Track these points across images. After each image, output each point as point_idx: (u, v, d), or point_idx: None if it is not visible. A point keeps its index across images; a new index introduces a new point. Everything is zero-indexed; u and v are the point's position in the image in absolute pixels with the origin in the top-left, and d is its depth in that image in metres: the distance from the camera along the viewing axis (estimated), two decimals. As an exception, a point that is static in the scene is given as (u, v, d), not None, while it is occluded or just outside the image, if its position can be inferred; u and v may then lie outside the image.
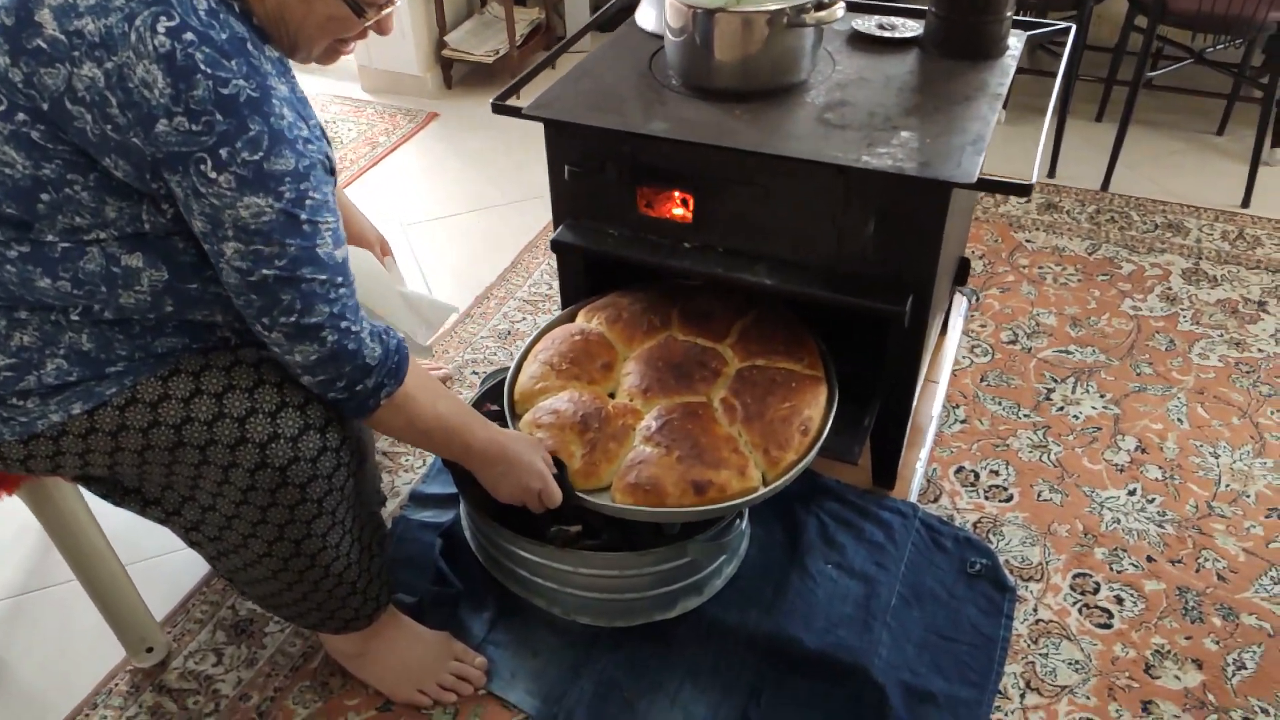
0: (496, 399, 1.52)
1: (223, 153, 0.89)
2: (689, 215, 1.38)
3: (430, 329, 1.48)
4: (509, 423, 1.34)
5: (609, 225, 1.45)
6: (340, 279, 1.00)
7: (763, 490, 1.25)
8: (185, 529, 1.13)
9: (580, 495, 1.25)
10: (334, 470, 1.10)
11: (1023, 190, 1.18)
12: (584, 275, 1.55)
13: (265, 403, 1.05)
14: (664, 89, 1.41)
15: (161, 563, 1.50)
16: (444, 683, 1.31)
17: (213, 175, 0.90)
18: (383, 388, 1.06)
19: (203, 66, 0.88)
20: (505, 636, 1.38)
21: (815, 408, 1.33)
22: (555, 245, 1.45)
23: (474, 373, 1.86)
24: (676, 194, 1.38)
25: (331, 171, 1.04)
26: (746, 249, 1.38)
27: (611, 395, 1.38)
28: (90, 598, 1.30)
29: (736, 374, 1.38)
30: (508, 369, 1.54)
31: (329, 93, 3.00)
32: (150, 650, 1.36)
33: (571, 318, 1.52)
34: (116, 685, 1.34)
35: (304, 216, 0.95)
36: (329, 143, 1.11)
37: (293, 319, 0.97)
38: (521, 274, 2.14)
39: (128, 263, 0.98)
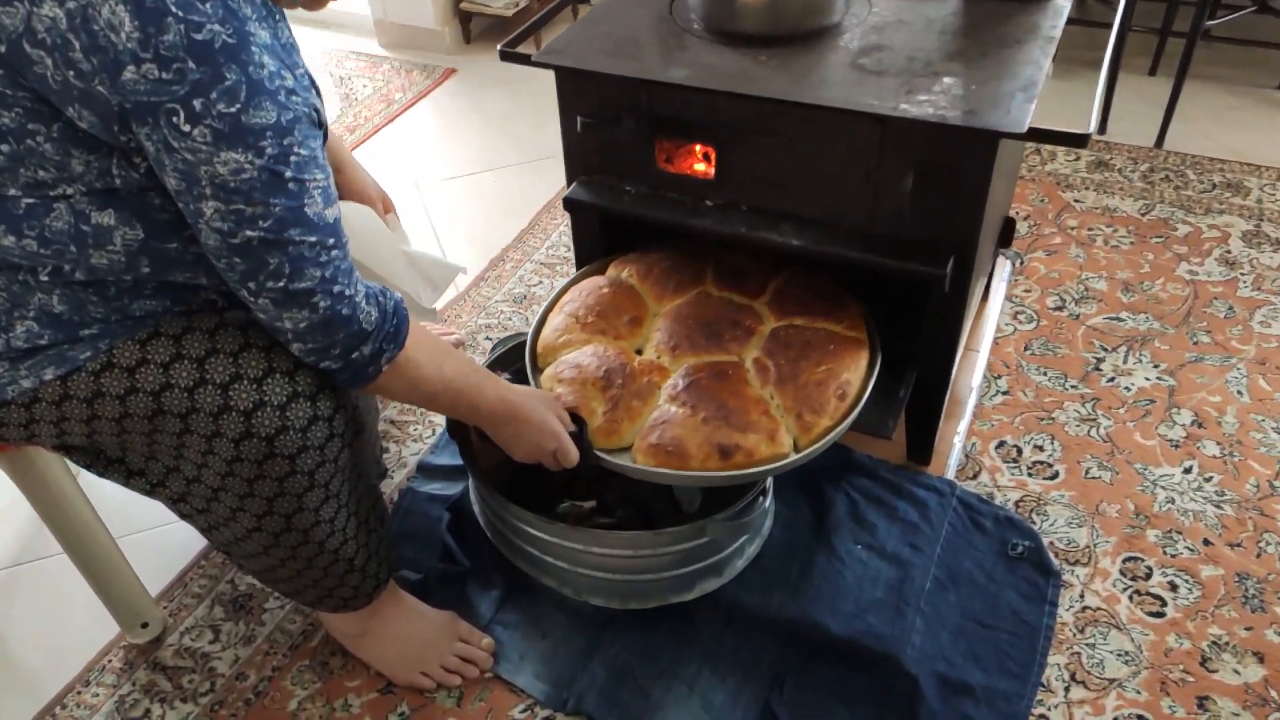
0: (508, 365, 1.44)
1: (196, 104, 0.81)
2: (711, 170, 1.28)
3: (436, 290, 1.40)
4: (530, 377, 1.27)
5: (625, 181, 1.35)
6: (332, 240, 0.92)
7: (793, 457, 1.16)
8: (172, 501, 1.06)
9: (600, 454, 1.17)
10: (326, 441, 1.02)
11: (1079, 140, 1.07)
12: (599, 235, 1.45)
13: (251, 368, 0.98)
14: (685, 34, 1.31)
15: (157, 535, 1.44)
16: (448, 665, 1.24)
17: (186, 128, 0.81)
18: (381, 354, 0.99)
19: (174, 9, 0.79)
20: (514, 616, 1.31)
21: (854, 371, 1.23)
22: (568, 203, 1.36)
23: (487, 338, 1.78)
24: (697, 148, 1.28)
25: (320, 125, 0.95)
26: (773, 207, 1.28)
27: (639, 352, 1.29)
28: (80, 572, 1.24)
29: (771, 333, 1.29)
30: (521, 334, 1.46)
31: (344, 48, 2.91)
32: (145, 626, 1.31)
33: (601, 270, 1.44)
34: (110, 662, 1.29)
35: (289, 174, 0.87)
36: (318, 94, 1.02)
37: (280, 284, 0.90)
38: (539, 236, 2.05)
39: (99, 220, 0.90)
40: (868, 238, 1.23)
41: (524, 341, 1.45)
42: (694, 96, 1.21)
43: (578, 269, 1.50)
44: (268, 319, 0.94)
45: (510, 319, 1.83)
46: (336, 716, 1.21)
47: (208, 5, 0.81)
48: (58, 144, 0.85)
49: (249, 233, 0.86)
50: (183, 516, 1.08)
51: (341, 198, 1.30)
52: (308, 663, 1.27)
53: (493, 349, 1.48)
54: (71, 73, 0.80)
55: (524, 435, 1.15)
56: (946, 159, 1.14)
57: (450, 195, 2.23)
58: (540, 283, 1.92)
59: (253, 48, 0.84)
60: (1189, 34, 2.16)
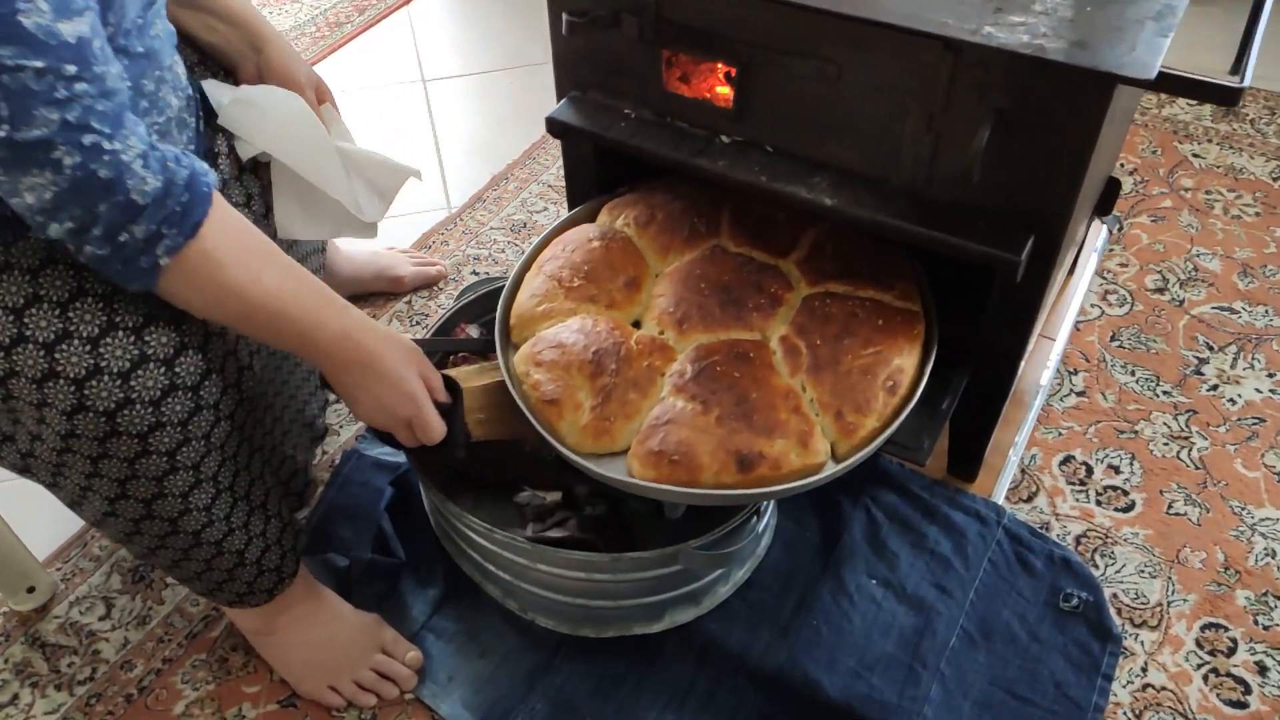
0: (477, 317, 1.20)
1: None
2: (731, 97, 1.00)
3: (382, 199, 1.14)
4: (500, 356, 1.02)
5: (625, 103, 1.07)
6: (74, 69, 0.66)
7: (831, 469, 0.91)
8: (18, 470, 0.86)
9: (573, 457, 0.93)
10: (190, 416, 0.80)
11: (1228, 96, 0.77)
12: (595, 168, 1.18)
13: (84, 324, 0.76)
14: (714, -86, 1.00)
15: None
16: (363, 680, 1.04)
17: None
18: (159, 239, 0.72)
19: None
20: (450, 625, 1.10)
21: (908, 356, 0.96)
22: (551, 125, 1.09)
23: (474, 273, 1.53)
24: (718, 66, 1.00)
25: None
26: (805, 152, 0.99)
27: (637, 325, 1.04)
28: (-50, 527, 1.06)
29: (804, 303, 1.02)
30: (498, 280, 1.21)
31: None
32: (31, 591, 1.13)
33: (591, 216, 1.17)
34: (-15, 630, 1.12)
35: None
36: None
37: (3, 133, 0.64)
38: (552, 152, 1.77)
39: None
40: (922, 204, 0.94)
41: (499, 288, 1.20)
42: (712, -1, 0.92)
43: (570, 207, 1.23)
44: (6, 194, 0.69)
45: (504, 251, 1.57)
46: (226, 728, 1.03)
47: None
48: None
49: None
50: (45, 487, 0.88)
51: (262, 80, 1.05)
52: (204, 657, 1.08)
53: (459, 295, 1.23)
54: None
55: (370, 390, 0.89)
56: (1039, 107, 0.84)
57: (458, 94, 1.95)
58: (545, 209, 1.65)
59: None
60: (1364, -44, 1.75)
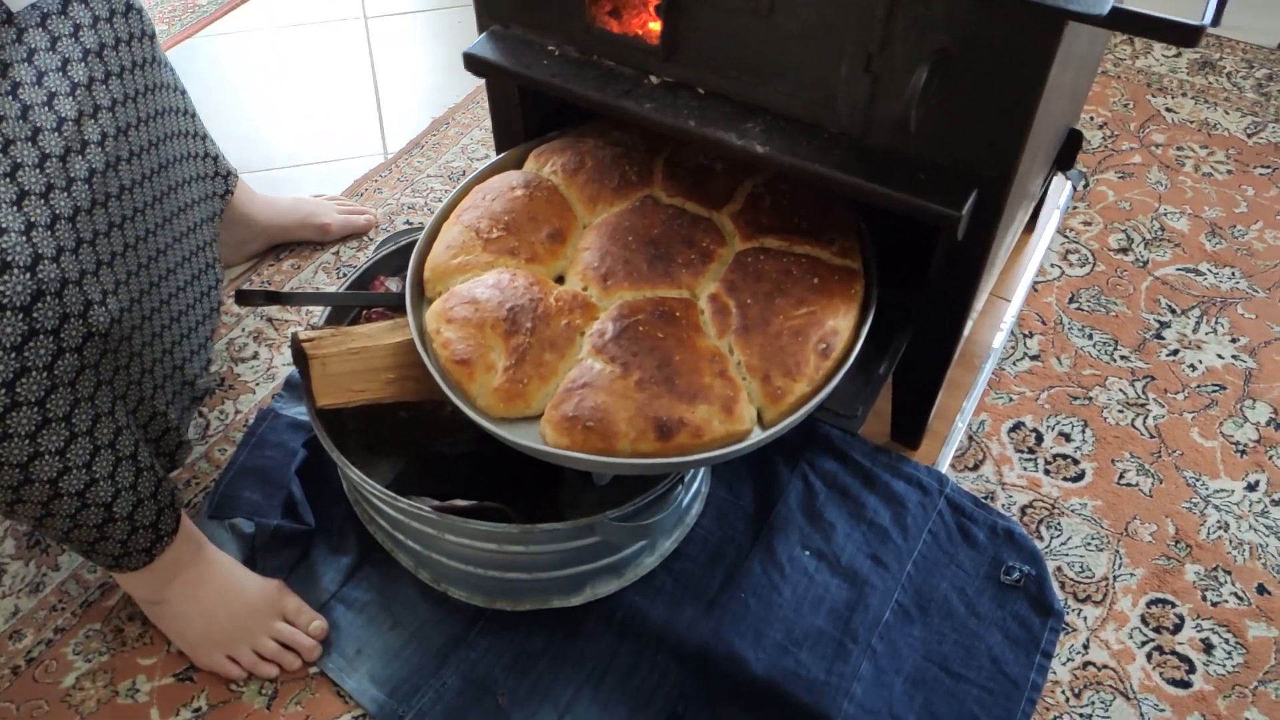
0: (399, 269, 1.13)
1: None
2: (659, 33, 0.92)
3: None
4: (411, 312, 0.95)
5: (549, 38, 0.99)
6: None
7: (756, 436, 0.86)
8: None
9: (482, 422, 0.87)
10: (24, 340, 0.74)
11: (1187, 36, 0.70)
12: (523, 111, 1.10)
13: None
14: None
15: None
16: (263, 650, 0.98)
17: None
18: None
19: None
20: (362, 595, 1.04)
21: (844, 317, 0.90)
22: (469, 61, 1.01)
23: (407, 223, 1.45)
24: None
25: None
26: (738, 94, 0.92)
27: (559, 280, 0.97)
28: None
29: (736, 259, 0.95)
30: (419, 230, 1.14)
31: None
32: (-82, 554, 1.06)
33: (518, 163, 1.09)
34: None
35: None
36: None
37: None
38: (497, 95, 1.68)
39: None
40: (859, 153, 0.87)
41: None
42: (634, -77, 0.84)
43: (497, 152, 1.16)
44: None
45: (440, 200, 1.49)
46: (118, 703, 0.97)
47: None
48: None
49: None
50: None
51: None
52: (99, 627, 1.02)
53: (378, 245, 1.16)
54: None
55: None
56: (984, 47, 0.77)
57: (402, 35, 1.85)
58: (486, 157, 1.57)
59: None
60: (1351, -99, 1.67)
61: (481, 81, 1.68)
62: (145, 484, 0.89)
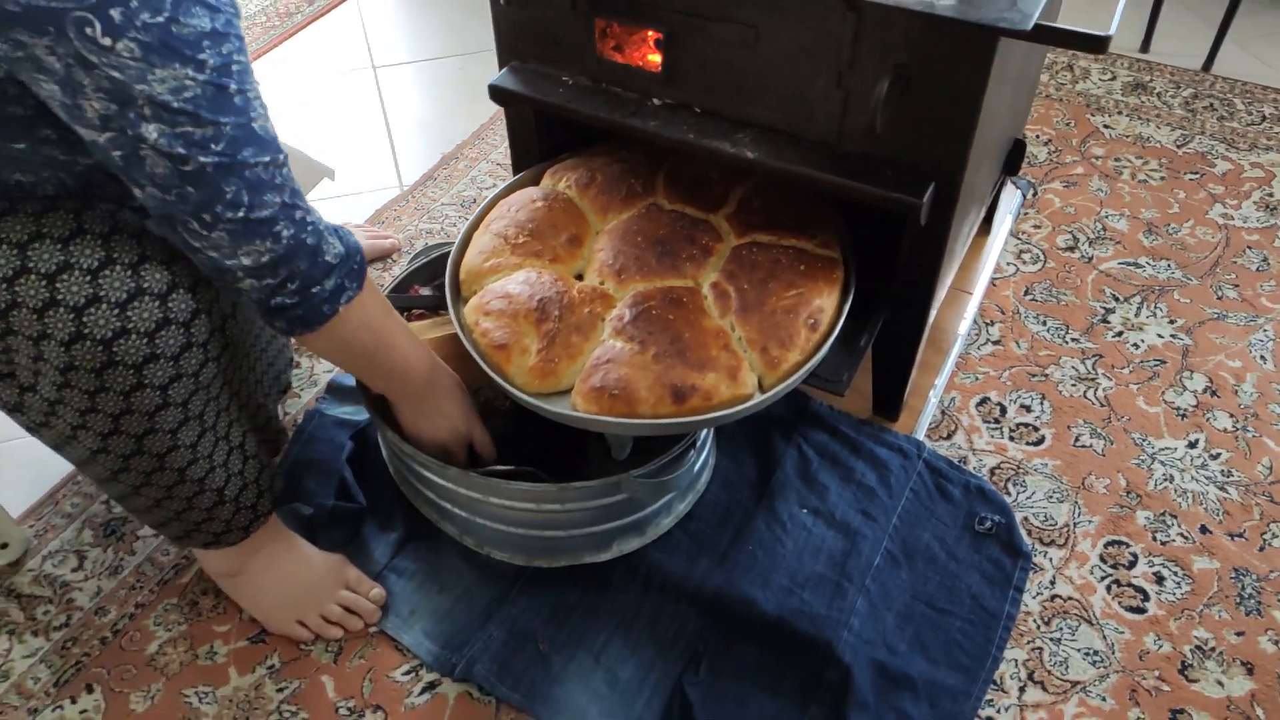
0: (428, 280, 1.27)
1: (114, 14, 0.68)
2: (660, 63, 1.08)
3: None
4: (451, 308, 1.10)
5: (563, 71, 1.15)
6: (282, 157, 0.81)
7: (758, 398, 1.00)
8: (8, 410, 0.92)
9: (523, 396, 1.02)
10: (182, 351, 0.86)
11: (1096, 44, 0.86)
12: (537, 134, 1.26)
13: (84, 257, 0.82)
14: (641, -107, 1.08)
15: (28, 446, 1.30)
16: (329, 614, 1.10)
17: (106, 42, 0.68)
18: (343, 291, 0.89)
19: None
20: (411, 564, 1.17)
21: (828, 297, 1.06)
22: (494, 93, 1.16)
23: (425, 244, 1.60)
24: (648, 34, 1.08)
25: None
26: (729, 111, 1.08)
27: (579, 277, 1.12)
28: (-75, 485, 1.11)
29: (733, 253, 1.11)
30: (448, 244, 1.28)
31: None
32: (5, 546, 1.17)
33: (535, 180, 1.25)
34: (-39, 585, 1.17)
35: (233, 86, 0.75)
36: None
37: (240, 214, 0.78)
38: (500, 133, 1.84)
39: None
40: (834, 155, 1.03)
41: (449, 252, 1.28)
42: (639, -30, 1.00)
43: (514, 172, 1.31)
44: (218, 257, 0.81)
45: (455, 225, 1.64)
46: (199, 664, 1.08)
47: None
48: None
49: (201, 158, 0.75)
50: (29, 431, 0.93)
51: None
52: (175, 601, 1.14)
53: (411, 258, 1.30)
54: None
55: (452, 410, 1.08)
56: (933, 61, 0.93)
57: (410, 80, 2.01)
58: (494, 185, 1.72)
59: None
60: (1256, -61, 1.88)
61: (485, 119, 1.85)
62: (251, 469, 1.02)
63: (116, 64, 0.70)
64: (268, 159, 0.79)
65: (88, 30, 0.68)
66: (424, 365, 1.04)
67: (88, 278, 0.82)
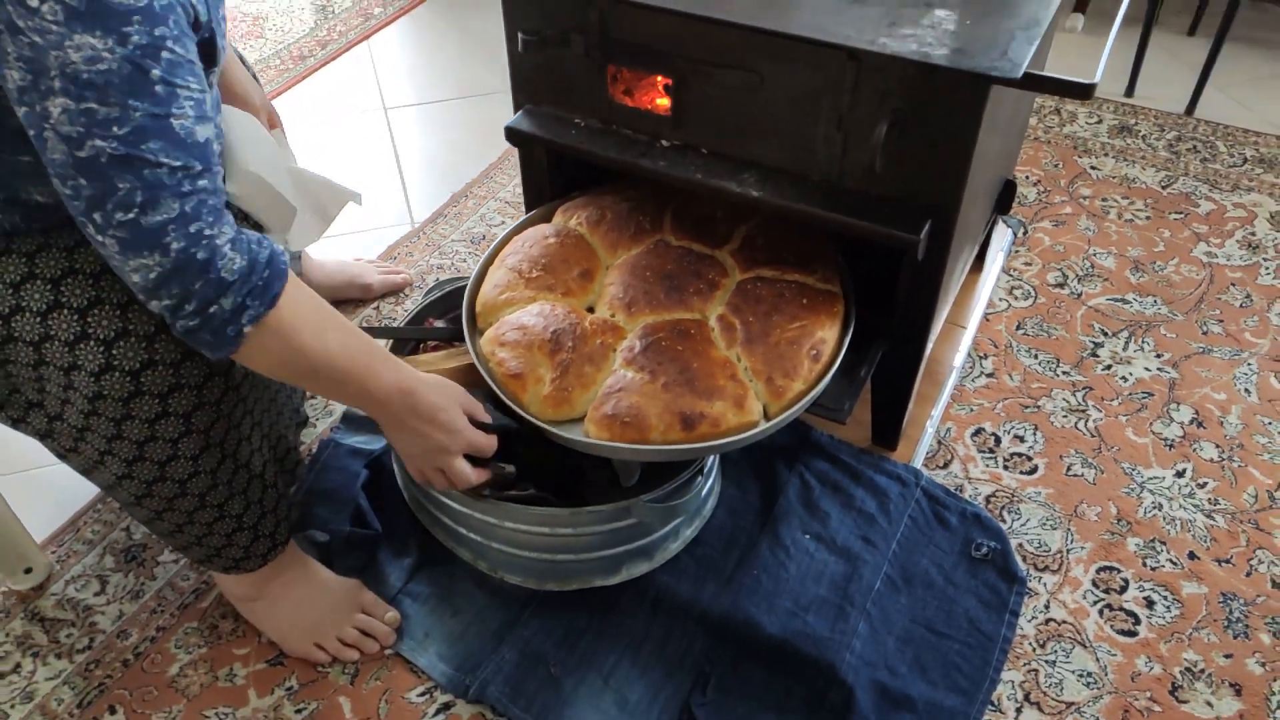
0: (443, 313, 1.31)
1: None
2: (669, 106, 1.13)
3: (323, 219, 1.24)
4: (468, 340, 1.14)
5: (575, 113, 1.20)
6: (200, 167, 0.77)
7: (763, 426, 1.04)
8: (39, 437, 0.95)
9: (538, 423, 1.05)
10: (204, 381, 0.90)
11: (1082, 91, 0.91)
12: (549, 173, 1.31)
13: (114, 292, 0.86)
14: (651, -53, 1.15)
15: (53, 473, 1.33)
16: (345, 637, 1.13)
17: (34, 3, 0.68)
18: (244, 310, 0.81)
19: None
20: (425, 589, 1.20)
21: (829, 329, 1.11)
22: (510, 134, 1.22)
23: (436, 280, 1.64)
24: (657, 79, 1.13)
25: (195, 26, 0.81)
26: (735, 152, 1.13)
27: (590, 310, 1.17)
28: (-47, 510, 1.14)
29: (738, 287, 1.16)
30: (460, 279, 1.33)
31: (330, -41, 2.73)
32: (28, 572, 1.20)
33: (547, 217, 1.30)
34: (-15, 608, 1.19)
35: (157, 72, 0.73)
36: None
37: (130, 215, 0.74)
38: (508, 172, 1.90)
39: None
40: (835, 193, 1.08)
41: (461, 287, 1.33)
42: (651, 17, 1.06)
43: (527, 209, 1.36)
44: (116, 266, 0.79)
45: (465, 260, 1.69)
46: (219, 686, 1.11)
47: None
48: None
49: (99, 142, 0.72)
50: (58, 456, 0.97)
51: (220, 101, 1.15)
52: (196, 625, 1.17)
53: (426, 292, 1.35)
54: None
55: (423, 431, 0.98)
56: (928, 105, 0.99)
57: (421, 122, 2.08)
58: (503, 223, 1.77)
59: None
60: (1233, -10, 1.96)
61: (494, 159, 1.91)
62: (269, 498, 1.05)
63: (39, 27, 0.68)
64: (178, 163, 0.75)
65: None
66: (387, 387, 0.94)
67: (117, 312, 0.86)
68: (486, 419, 1.05)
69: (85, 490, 1.31)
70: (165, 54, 0.73)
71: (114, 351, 0.85)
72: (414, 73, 2.24)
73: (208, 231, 0.78)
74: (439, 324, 1.30)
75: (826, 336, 1.10)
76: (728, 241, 1.22)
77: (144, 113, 0.73)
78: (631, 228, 1.24)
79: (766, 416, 1.06)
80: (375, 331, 1.28)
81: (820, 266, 1.18)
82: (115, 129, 0.72)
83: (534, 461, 1.19)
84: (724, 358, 1.08)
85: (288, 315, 0.85)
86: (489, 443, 1.04)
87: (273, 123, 1.27)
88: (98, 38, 0.70)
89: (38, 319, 0.85)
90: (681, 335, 1.10)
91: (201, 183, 0.78)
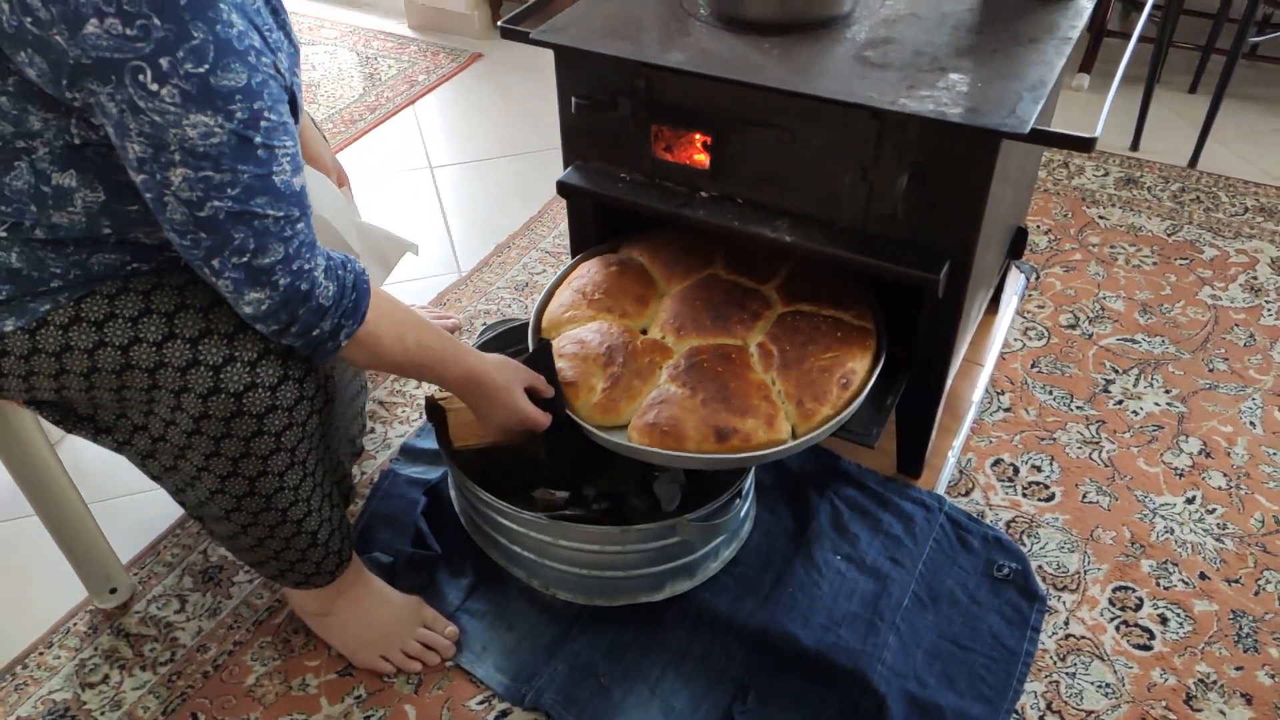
0: (500, 350, 1.42)
1: (163, 62, 0.79)
2: (707, 161, 1.25)
3: (385, 267, 1.37)
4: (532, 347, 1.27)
5: (620, 169, 1.32)
6: (298, 212, 0.90)
7: (790, 443, 1.14)
8: (140, 458, 1.05)
9: (584, 425, 1.18)
10: (295, 403, 1.00)
11: (1084, 144, 1.02)
12: (594, 222, 1.42)
13: (222, 324, 0.97)
14: (690, 19, 1.27)
15: (136, 501, 1.44)
16: (409, 650, 1.22)
17: (154, 87, 0.79)
18: (340, 330, 0.96)
19: None
20: (481, 606, 1.28)
21: (860, 361, 1.21)
22: (561, 188, 1.33)
23: (485, 324, 1.76)
24: (696, 137, 1.25)
25: (285, 89, 0.93)
26: (769, 202, 1.24)
27: (644, 332, 1.29)
28: (50, 534, 1.24)
29: (778, 319, 1.27)
30: (511, 320, 1.45)
31: (373, 28, 2.90)
32: (114, 591, 1.30)
33: (614, 250, 1.42)
34: (75, 625, 1.28)
35: (258, 139, 0.85)
36: (295, 52, 1.01)
37: (244, 260, 0.88)
38: (548, 224, 2.02)
39: (59, 181, 0.89)
40: (862, 238, 1.19)
41: (514, 328, 1.44)
42: (691, 82, 1.18)
43: (572, 254, 1.47)
44: (230, 299, 0.92)
45: (510, 306, 1.80)
46: (292, 695, 1.20)
47: None
48: (14, 99, 0.84)
49: (216, 203, 0.85)
50: (152, 477, 1.07)
51: None
52: (270, 639, 1.26)
53: (481, 332, 1.46)
54: (29, 19, 0.79)
55: (493, 410, 1.16)
56: (945, 158, 1.09)
57: (464, 179, 2.21)
58: (544, 271, 1.89)
59: (220, 4, 0.82)
60: (1230, 49, 2.08)
61: (534, 212, 2.04)
62: (337, 517, 1.15)
63: (159, 108, 0.79)
64: (280, 213, 0.87)
65: (140, 76, 0.78)
66: (458, 373, 1.11)
67: (225, 341, 0.97)
68: (549, 392, 1.20)
69: (165, 516, 1.41)
70: (263, 122, 0.85)
71: (221, 375, 0.96)
72: (457, 134, 2.39)
73: (307, 267, 0.91)
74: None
75: (857, 368, 1.20)
76: (772, 278, 1.33)
77: (250, 174, 0.85)
78: (686, 262, 1.36)
79: (795, 436, 1.15)
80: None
81: (856, 305, 1.28)
82: (229, 190, 0.85)
83: (586, 490, 1.29)
84: (760, 380, 1.18)
85: (373, 327, 1.00)
86: (543, 418, 1.18)
87: (340, 181, 1.40)
88: (209, 116, 0.82)
89: (153, 348, 0.96)
90: (723, 358, 1.20)
91: (299, 225, 0.91)
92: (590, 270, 1.34)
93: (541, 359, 1.22)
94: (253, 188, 0.85)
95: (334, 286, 0.94)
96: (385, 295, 1.03)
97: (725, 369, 1.18)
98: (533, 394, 1.19)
